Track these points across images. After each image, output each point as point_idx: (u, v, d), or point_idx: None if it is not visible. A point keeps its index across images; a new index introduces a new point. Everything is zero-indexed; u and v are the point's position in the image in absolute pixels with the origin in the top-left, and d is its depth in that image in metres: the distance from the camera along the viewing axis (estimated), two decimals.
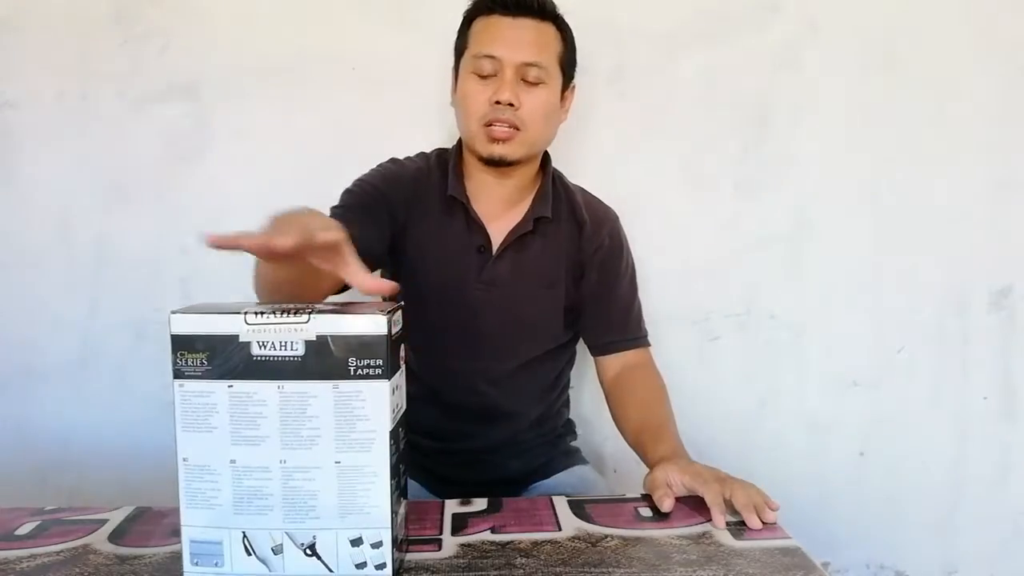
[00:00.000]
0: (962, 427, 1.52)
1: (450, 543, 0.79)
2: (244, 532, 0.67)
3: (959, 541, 1.54)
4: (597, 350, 1.18)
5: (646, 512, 0.88)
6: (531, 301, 1.12)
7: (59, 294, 1.45)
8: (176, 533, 0.81)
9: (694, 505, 0.89)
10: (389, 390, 0.64)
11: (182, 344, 0.64)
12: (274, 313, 0.64)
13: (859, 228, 1.48)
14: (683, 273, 1.48)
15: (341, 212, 1.03)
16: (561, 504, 0.90)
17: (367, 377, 0.64)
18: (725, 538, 0.81)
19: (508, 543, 0.79)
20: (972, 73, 1.45)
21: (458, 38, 1.10)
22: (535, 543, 0.79)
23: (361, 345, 0.64)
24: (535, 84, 1.04)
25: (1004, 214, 1.48)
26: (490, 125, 1.03)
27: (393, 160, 1.14)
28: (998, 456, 1.53)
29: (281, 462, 0.65)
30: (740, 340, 1.49)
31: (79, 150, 1.43)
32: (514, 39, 1.02)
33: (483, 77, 1.03)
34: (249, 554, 0.67)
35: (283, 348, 0.63)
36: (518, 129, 1.03)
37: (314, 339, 0.63)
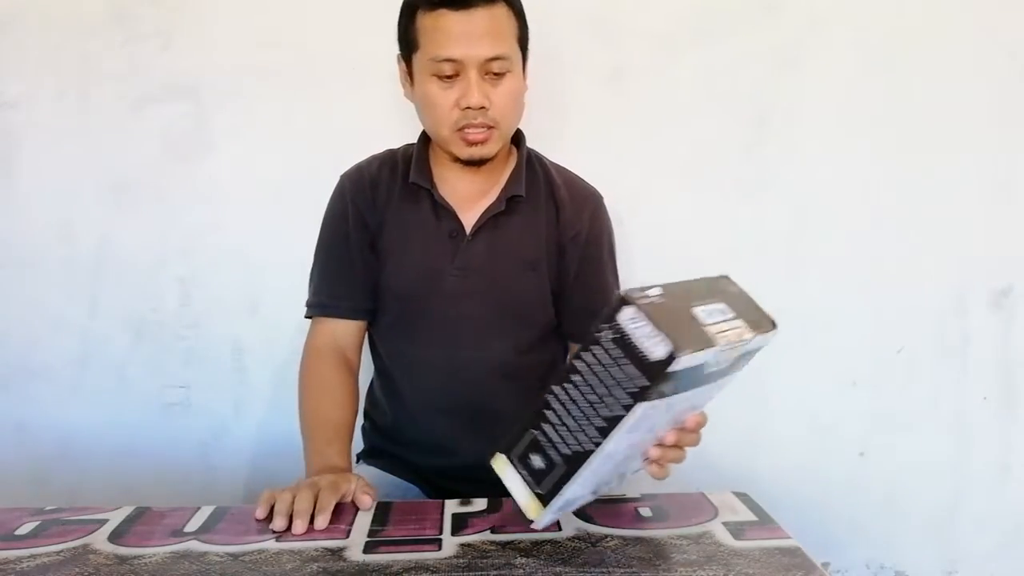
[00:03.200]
0: (962, 427, 1.52)
1: (450, 543, 0.79)
2: None
3: (959, 541, 1.54)
4: (575, 338, 1.14)
5: (646, 512, 0.88)
6: (513, 284, 1.09)
7: (59, 294, 1.45)
8: (176, 533, 0.82)
9: (694, 505, 0.89)
10: None
11: (666, 378, 0.62)
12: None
13: (859, 228, 1.47)
14: (683, 273, 1.47)
15: (324, 286, 1.13)
16: None
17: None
18: (725, 538, 0.81)
19: (508, 543, 0.79)
20: (972, 73, 1.45)
21: (401, 29, 1.03)
22: (535, 543, 0.79)
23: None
24: (501, 75, 0.98)
25: (1004, 214, 1.48)
26: (463, 129, 1.00)
27: (344, 176, 1.14)
28: (998, 456, 1.53)
29: None
30: None
31: (79, 150, 1.43)
32: (471, 35, 0.95)
33: (445, 79, 0.98)
34: None
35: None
36: (493, 127, 1.01)
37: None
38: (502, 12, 0.98)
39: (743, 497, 0.92)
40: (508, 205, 1.08)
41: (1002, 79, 1.45)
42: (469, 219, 1.08)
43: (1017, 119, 1.46)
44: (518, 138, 1.13)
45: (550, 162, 1.17)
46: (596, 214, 1.13)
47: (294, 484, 0.88)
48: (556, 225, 1.10)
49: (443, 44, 0.96)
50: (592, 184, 1.17)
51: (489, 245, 1.08)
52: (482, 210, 1.08)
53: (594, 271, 1.13)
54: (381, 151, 1.16)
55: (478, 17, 0.96)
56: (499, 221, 1.08)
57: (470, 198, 1.09)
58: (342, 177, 1.14)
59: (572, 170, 1.18)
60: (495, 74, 0.98)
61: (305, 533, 0.81)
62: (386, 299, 1.11)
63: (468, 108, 0.98)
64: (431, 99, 1.00)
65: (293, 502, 0.83)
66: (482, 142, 1.01)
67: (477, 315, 1.08)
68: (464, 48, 0.96)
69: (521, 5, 1.04)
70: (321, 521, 0.82)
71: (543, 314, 1.12)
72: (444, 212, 1.08)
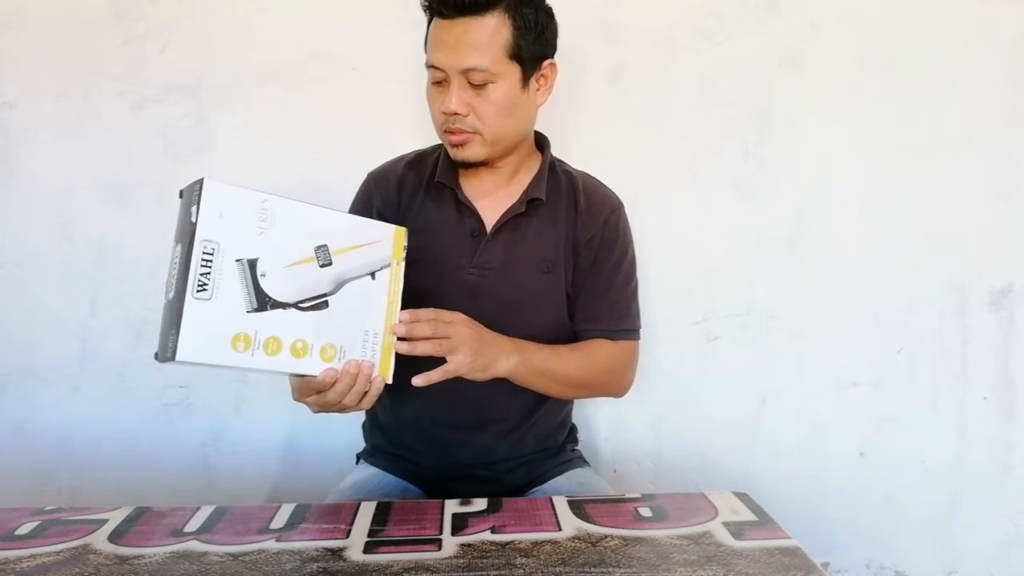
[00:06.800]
0: (962, 427, 1.52)
1: (450, 543, 0.79)
2: None
3: (959, 541, 1.54)
4: (578, 336, 1.14)
5: (646, 512, 0.88)
6: (529, 286, 1.10)
7: (59, 294, 1.45)
8: (176, 533, 0.82)
9: (694, 505, 0.89)
10: None
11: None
12: None
13: (859, 228, 1.47)
14: (683, 273, 1.48)
15: None
16: (561, 504, 0.90)
17: None
18: (725, 538, 0.81)
19: (508, 543, 0.79)
20: (972, 73, 1.45)
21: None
22: (535, 543, 0.79)
23: None
24: (483, 86, 1.00)
25: (1004, 214, 1.48)
26: (449, 132, 1.03)
27: (370, 175, 1.17)
28: (998, 456, 1.53)
29: None
30: (740, 340, 1.49)
31: (79, 150, 1.43)
32: (451, 44, 0.98)
33: (436, 84, 1.02)
34: None
35: None
36: (474, 133, 1.03)
37: None
38: (492, 24, 0.98)
39: (743, 497, 0.93)
40: (528, 207, 1.10)
41: (1001, 80, 1.45)
42: (490, 219, 1.10)
43: (1016, 119, 1.46)
44: (542, 143, 1.16)
45: (576, 170, 1.19)
46: (611, 220, 1.14)
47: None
48: (574, 229, 1.12)
49: (431, 50, 1.02)
50: (614, 192, 1.18)
51: (508, 245, 1.10)
52: (503, 210, 1.10)
53: (601, 275, 1.13)
54: (408, 151, 1.18)
55: (460, 27, 0.98)
56: (519, 222, 1.10)
57: (492, 198, 1.11)
58: (368, 176, 1.17)
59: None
60: (477, 84, 1.00)
61: (307, 533, 0.81)
62: (405, 296, 1.11)
63: (446, 113, 1.01)
64: (428, 101, 1.05)
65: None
66: (461, 144, 1.03)
67: (490, 314, 1.07)
68: (442, 56, 1.00)
69: (535, 18, 1.02)
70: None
71: (556, 316, 1.13)
72: (467, 211, 1.10)
